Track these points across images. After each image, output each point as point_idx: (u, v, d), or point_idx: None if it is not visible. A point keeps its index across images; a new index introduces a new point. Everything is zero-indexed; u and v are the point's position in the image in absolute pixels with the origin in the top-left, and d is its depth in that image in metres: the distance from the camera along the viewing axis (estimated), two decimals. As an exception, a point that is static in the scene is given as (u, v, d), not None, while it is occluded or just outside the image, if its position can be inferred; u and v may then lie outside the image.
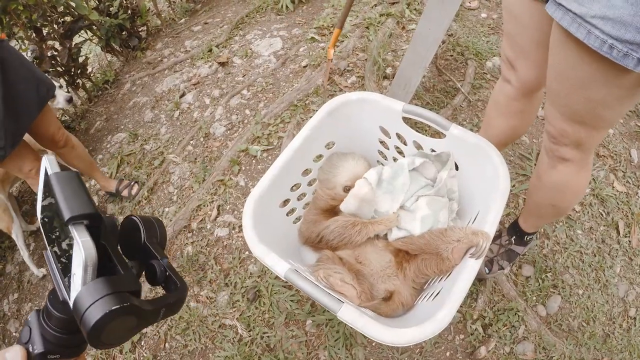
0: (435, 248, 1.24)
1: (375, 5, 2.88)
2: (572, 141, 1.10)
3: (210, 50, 3.05)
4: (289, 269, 1.07)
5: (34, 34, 2.88)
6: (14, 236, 2.25)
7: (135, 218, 0.60)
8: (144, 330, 1.84)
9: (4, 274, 2.50)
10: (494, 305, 1.65)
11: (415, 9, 2.88)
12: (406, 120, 1.41)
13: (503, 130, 1.46)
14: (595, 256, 1.79)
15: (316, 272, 1.25)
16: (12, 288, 2.39)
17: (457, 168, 1.42)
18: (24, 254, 2.26)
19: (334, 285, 1.20)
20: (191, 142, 2.43)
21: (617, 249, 1.82)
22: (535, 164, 2.01)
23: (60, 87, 2.35)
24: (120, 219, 2.19)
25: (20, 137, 1.69)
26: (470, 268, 1.12)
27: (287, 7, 3.21)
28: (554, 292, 1.71)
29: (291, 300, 1.66)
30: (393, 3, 2.89)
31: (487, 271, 1.64)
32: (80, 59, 3.10)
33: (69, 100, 2.31)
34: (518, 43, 1.18)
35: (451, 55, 2.52)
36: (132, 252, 0.60)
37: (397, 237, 1.35)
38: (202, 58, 3.01)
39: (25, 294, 2.32)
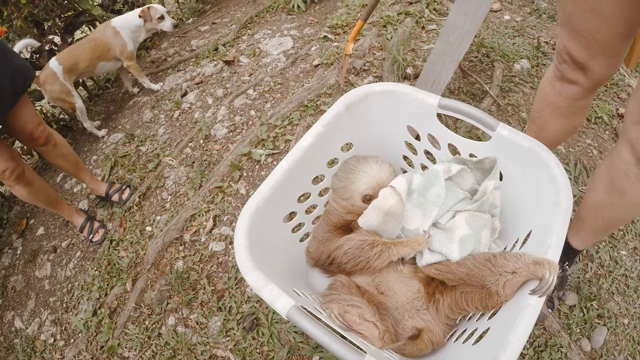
0: (480, 280, 0.93)
1: (393, 3, 2.60)
2: None
3: (216, 49, 2.78)
4: (293, 306, 0.77)
5: (35, 29, 2.66)
6: (78, 113, 2.38)
7: None
8: (126, 355, 1.56)
9: (-12, 280, 2.24)
10: (534, 340, 1.39)
11: (434, 9, 2.60)
12: (440, 118, 1.12)
13: (562, 132, 1.23)
14: None
15: (328, 305, 0.94)
16: (-5, 295, 2.15)
17: (500, 177, 1.12)
18: (87, 124, 2.46)
19: (351, 324, 0.89)
20: (190, 144, 2.14)
21: None
22: (573, 175, 1.74)
23: (169, 12, 2.50)
24: (109, 226, 1.92)
25: None
26: (530, 309, 0.83)
27: (298, 6, 2.94)
28: (599, 323, 1.46)
29: (295, 332, 1.35)
30: (412, 2, 2.61)
31: (550, 311, 1.38)
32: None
33: (176, 26, 2.50)
34: (598, 40, 0.95)
35: (475, 57, 2.23)
36: None
37: (430, 262, 1.04)
38: (207, 57, 2.74)
39: (8, 301, 2.07)
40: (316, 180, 1.19)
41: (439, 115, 1.13)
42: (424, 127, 1.15)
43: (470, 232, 1.02)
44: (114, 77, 3.05)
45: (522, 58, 2.24)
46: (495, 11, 2.68)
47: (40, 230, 2.26)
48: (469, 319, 1.07)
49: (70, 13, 2.86)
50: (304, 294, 1.03)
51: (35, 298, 1.98)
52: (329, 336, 0.74)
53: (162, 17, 2.42)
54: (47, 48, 2.74)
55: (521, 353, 1.31)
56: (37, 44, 2.34)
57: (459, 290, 0.99)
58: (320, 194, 1.25)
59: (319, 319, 0.82)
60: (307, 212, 1.23)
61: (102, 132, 2.53)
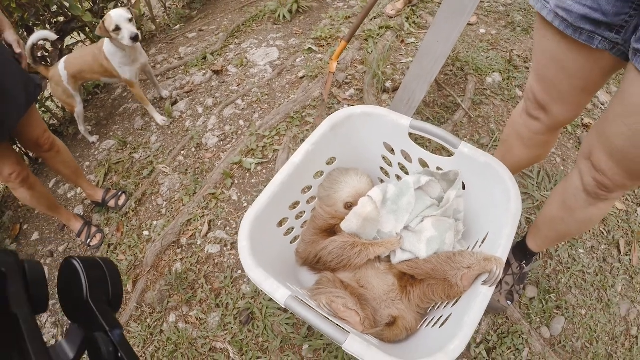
0: (443, 274, 1.16)
1: (375, 17, 2.82)
2: (627, 189, 1.06)
3: (204, 58, 2.97)
4: (290, 296, 0.99)
5: (25, 33, 2.79)
6: (75, 116, 2.51)
7: (75, 262, 0.43)
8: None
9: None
10: (498, 328, 1.60)
11: (414, 22, 2.84)
12: (411, 136, 1.34)
13: (525, 159, 1.41)
14: (597, 275, 1.77)
15: (317, 297, 1.16)
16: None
17: (463, 187, 1.35)
18: (82, 128, 2.60)
19: (337, 312, 1.11)
20: (182, 152, 2.33)
21: (618, 268, 1.79)
22: (536, 182, 1.97)
23: (130, 20, 2.06)
24: (106, 231, 2.08)
25: (4, 136, 1.60)
26: (482, 297, 1.05)
27: (284, 16, 3.14)
28: (557, 313, 1.67)
29: (286, 324, 1.56)
30: (392, 16, 2.84)
31: (510, 303, 1.58)
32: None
33: (134, 39, 2.05)
34: (557, 89, 1.11)
35: (451, 70, 2.47)
36: (74, 310, 0.44)
37: (402, 260, 1.27)
38: (196, 65, 2.92)
39: None
40: (305, 190, 1.41)
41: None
42: (398, 144, 1.37)
43: (436, 234, 1.25)
44: (103, 83, 3.20)
45: (494, 71, 2.48)
46: (472, 24, 2.92)
47: (35, 235, 2.38)
48: (437, 308, 1.30)
49: (60, 18, 3.00)
50: (296, 288, 1.25)
51: (33, 302, 2.12)
52: (320, 319, 0.95)
53: (117, 29, 2.02)
54: (39, 54, 2.88)
55: (486, 339, 1.57)
56: (54, 36, 2.28)
57: (426, 283, 1.21)
58: (308, 202, 1.47)
59: (310, 307, 1.03)
60: (297, 217, 1.45)
61: (94, 138, 2.68)
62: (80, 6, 2.92)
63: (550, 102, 1.15)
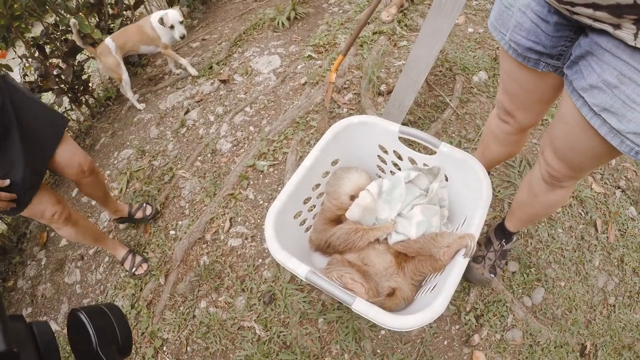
0: (429, 251, 1.52)
1: (368, 23, 3.17)
2: (576, 179, 1.35)
3: (210, 68, 3.31)
4: (309, 270, 1.35)
5: (37, 52, 3.11)
6: (123, 84, 3.08)
7: (80, 315, 0.47)
8: (165, 337, 2.05)
9: (15, 289, 2.64)
10: (484, 298, 1.90)
11: (406, 25, 3.18)
12: (401, 138, 1.70)
13: (501, 155, 1.72)
14: (575, 252, 2.02)
15: (329, 273, 1.52)
16: (25, 303, 2.54)
17: (446, 179, 1.71)
18: (131, 96, 3.20)
19: (346, 284, 1.47)
20: (199, 158, 2.69)
21: (595, 245, 2.04)
22: (518, 170, 2.31)
23: (181, 22, 2.97)
24: (134, 233, 2.42)
25: (41, 176, 1.64)
26: (459, 265, 1.39)
27: (283, 24, 3.48)
28: (537, 285, 1.94)
29: (304, 301, 1.93)
30: (385, 22, 3.19)
31: (493, 276, 1.89)
32: (83, 77, 3.33)
33: (182, 37, 3.02)
34: (519, 100, 1.36)
35: (440, 71, 2.81)
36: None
37: (396, 241, 1.63)
38: (203, 75, 3.27)
39: (40, 308, 2.47)
40: (314, 187, 1.77)
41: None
42: (390, 146, 1.74)
43: (423, 219, 1.62)
44: (115, 94, 3.55)
45: (480, 70, 2.79)
46: (460, 24, 3.25)
47: (63, 241, 2.67)
48: (428, 281, 1.66)
49: (70, 36, 3.31)
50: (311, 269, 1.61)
51: (68, 302, 2.33)
52: (332, 287, 1.31)
53: (172, 27, 2.95)
54: (55, 72, 3.22)
55: (474, 307, 1.92)
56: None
57: (417, 259, 1.57)
58: (318, 197, 1.83)
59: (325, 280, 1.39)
60: (309, 210, 1.81)
61: (142, 106, 3.26)
62: (88, 23, 3.25)
63: (514, 110, 1.43)
